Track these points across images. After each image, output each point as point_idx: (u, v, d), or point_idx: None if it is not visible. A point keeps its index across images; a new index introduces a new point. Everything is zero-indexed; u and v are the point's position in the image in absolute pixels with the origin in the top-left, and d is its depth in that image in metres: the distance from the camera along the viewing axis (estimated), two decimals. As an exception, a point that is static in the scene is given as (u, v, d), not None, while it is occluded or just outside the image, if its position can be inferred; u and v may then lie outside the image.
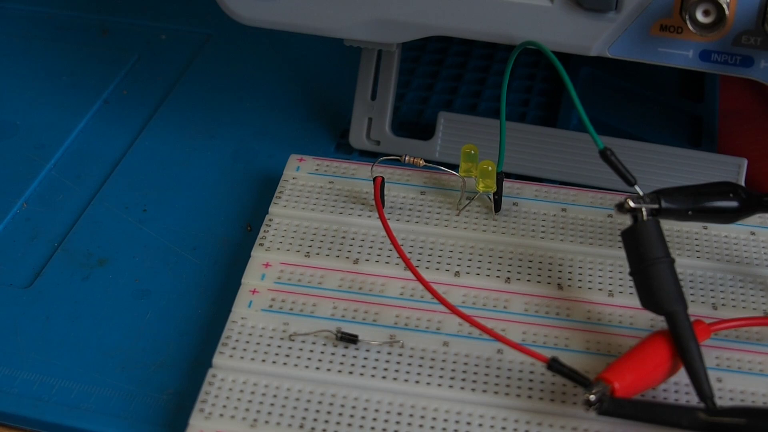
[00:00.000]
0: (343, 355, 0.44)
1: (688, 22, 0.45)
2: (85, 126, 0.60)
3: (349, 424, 0.41)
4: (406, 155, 0.51)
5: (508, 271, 0.48)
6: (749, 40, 0.46)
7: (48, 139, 0.58)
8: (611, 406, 0.40)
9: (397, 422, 0.41)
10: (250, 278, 0.47)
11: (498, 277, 0.48)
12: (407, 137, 0.56)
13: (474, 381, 0.43)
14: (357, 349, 0.44)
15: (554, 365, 0.40)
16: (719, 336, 0.45)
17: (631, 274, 0.42)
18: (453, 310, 0.43)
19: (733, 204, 0.44)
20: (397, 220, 0.50)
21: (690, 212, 0.44)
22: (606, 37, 0.48)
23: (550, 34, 0.48)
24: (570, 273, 0.48)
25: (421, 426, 0.41)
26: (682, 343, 0.41)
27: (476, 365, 0.44)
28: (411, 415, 0.42)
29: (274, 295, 0.46)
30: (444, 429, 0.41)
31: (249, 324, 0.45)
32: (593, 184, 0.54)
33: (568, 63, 0.62)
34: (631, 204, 0.42)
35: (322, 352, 0.44)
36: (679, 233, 0.50)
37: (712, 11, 0.45)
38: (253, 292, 0.47)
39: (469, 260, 0.48)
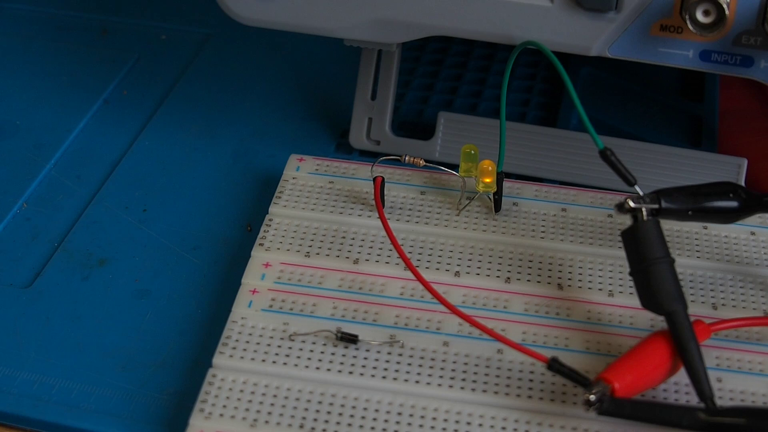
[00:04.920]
0: (343, 355, 0.44)
1: (688, 22, 0.45)
2: (85, 126, 0.60)
3: (349, 424, 0.41)
4: (406, 155, 0.51)
5: (508, 271, 0.48)
6: (749, 40, 0.46)
7: (48, 139, 0.58)
8: (611, 406, 0.40)
9: (397, 422, 0.41)
10: (250, 278, 0.47)
11: (498, 277, 0.48)
12: (407, 137, 0.56)
13: (474, 381, 0.43)
14: (357, 349, 0.44)
15: (554, 365, 0.40)
16: (719, 336, 0.45)
17: (631, 274, 0.42)
18: (453, 310, 0.43)
19: (733, 204, 0.44)
20: (397, 220, 0.50)
21: (690, 212, 0.44)
22: (606, 37, 0.48)
23: (550, 34, 0.48)
24: (570, 273, 0.48)
25: (421, 426, 0.41)
26: (682, 343, 0.41)
27: (476, 365, 0.44)
28: (411, 415, 0.42)
29: (274, 295, 0.46)
30: (444, 429, 0.41)
31: (249, 324, 0.45)
32: (593, 184, 0.54)
33: (568, 63, 0.62)
34: (631, 204, 0.42)
35: (322, 352, 0.44)
36: (679, 233, 0.50)
37: (712, 11, 0.45)
38: (253, 292, 0.47)
39: (469, 260, 0.48)
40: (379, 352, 0.44)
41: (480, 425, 0.41)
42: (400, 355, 0.44)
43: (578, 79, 0.62)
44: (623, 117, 0.60)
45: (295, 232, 0.50)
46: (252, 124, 0.60)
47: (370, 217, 0.50)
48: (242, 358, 0.43)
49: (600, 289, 0.47)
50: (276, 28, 0.51)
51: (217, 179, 0.56)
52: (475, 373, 0.43)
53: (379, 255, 0.48)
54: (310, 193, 0.52)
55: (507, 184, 0.51)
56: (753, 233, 0.50)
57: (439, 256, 0.48)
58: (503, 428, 0.41)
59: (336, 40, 0.52)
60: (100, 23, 0.68)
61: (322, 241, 0.49)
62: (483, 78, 0.63)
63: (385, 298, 0.46)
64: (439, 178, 0.53)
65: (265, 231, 0.50)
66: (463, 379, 0.43)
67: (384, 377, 0.43)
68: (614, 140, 0.54)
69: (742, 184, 0.52)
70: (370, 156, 0.56)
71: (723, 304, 0.47)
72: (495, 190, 0.50)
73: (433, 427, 0.41)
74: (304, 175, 0.53)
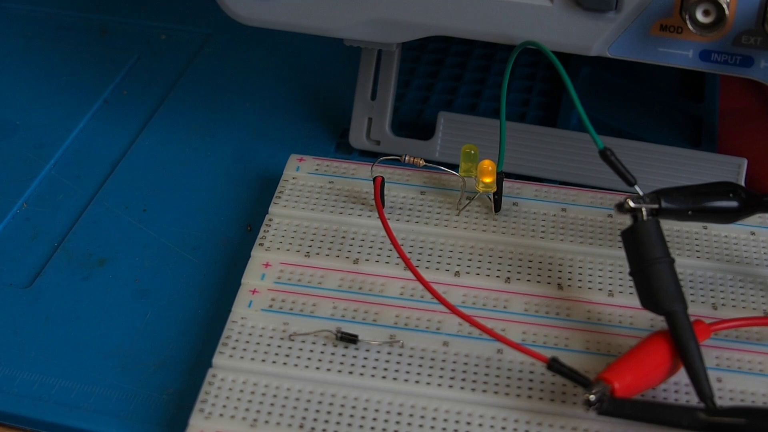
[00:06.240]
0: (343, 355, 0.44)
1: (688, 22, 0.45)
2: (85, 126, 0.60)
3: (349, 424, 0.41)
4: (406, 155, 0.51)
5: (508, 271, 0.48)
6: (749, 40, 0.46)
7: (48, 139, 0.58)
8: (611, 406, 0.40)
9: (397, 422, 0.41)
10: (250, 278, 0.47)
11: (498, 277, 0.48)
12: (407, 137, 0.56)
13: (474, 381, 0.43)
14: (357, 349, 0.44)
15: (554, 365, 0.40)
16: (719, 336, 0.45)
17: (631, 274, 0.42)
18: (453, 310, 0.43)
19: (733, 204, 0.44)
20: (397, 220, 0.50)
21: (690, 212, 0.44)
22: (606, 37, 0.48)
23: (550, 34, 0.48)
24: (570, 273, 0.48)
25: (421, 426, 0.41)
26: (682, 343, 0.41)
27: (476, 365, 0.44)
28: (411, 415, 0.42)
29: (274, 295, 0.46)
30: (444, 429, 0.41)
31: (249, 324, 0.45)
32: (593, 184, 0.54)
33: (568, 63, 0.62)
34: (631, 204, 0.42)
35: (322, 352, 0.44)
36: (679, 233, 0.50)
37: (712, 11, 0.45)
38: (253, 292, 0.47)
39: (469, 260, 0.48)
40: (379, 352, 0.44)
41: (480, 425, 0.41)
42: (400, 355, 0.44)
43: (578, 79, 0.62)
44: (623, 117, 0.60)
45: (295, 232, 0.50)
46: (252, 124, 0.60)
47: (370, 217, 0.50)
48: (242, 358, 0.43)
49: (600, 289, 0.47)
50: (276, 28, 0.51)
51: (217, 179, 0.56)
52: (475, 373, 0.43)
53: (379, 255, 0.48)
54: (310, 193, 0.52)
55: (507, 184, 0.51)
56: (753, 233, 0.50)
57: (439, 256, 0.48)
58: (503, 428, 0.41)
59: (336, 40, 0.52)
60: (100, 23, 0.68)
61: (322, 241, 0.49)
62: (483, 78, 0.63)
63: (385, 298, 0.46)
64: (439, 178, 0.53)
65: (265, 231, 0.50)
66: (463, 379, 0.43)
67: (384, 377, 0.43)
68: (614, 140, 0.54)
69: (742, 184, 0.52)
70: (370, 156, 0.56)
71: (723, 304, 0.47)
72: (495, 190, 0.50)
73: (433, 427, 0.41)
74: (304, 175, 0.53)
